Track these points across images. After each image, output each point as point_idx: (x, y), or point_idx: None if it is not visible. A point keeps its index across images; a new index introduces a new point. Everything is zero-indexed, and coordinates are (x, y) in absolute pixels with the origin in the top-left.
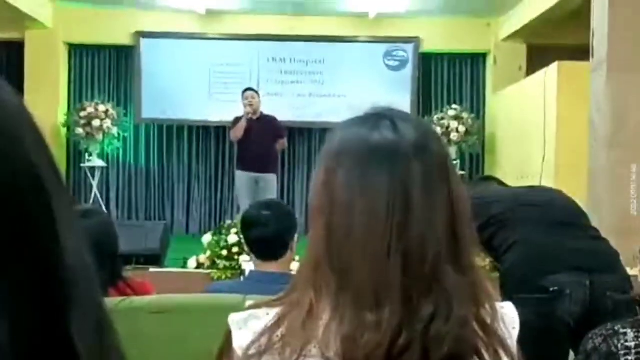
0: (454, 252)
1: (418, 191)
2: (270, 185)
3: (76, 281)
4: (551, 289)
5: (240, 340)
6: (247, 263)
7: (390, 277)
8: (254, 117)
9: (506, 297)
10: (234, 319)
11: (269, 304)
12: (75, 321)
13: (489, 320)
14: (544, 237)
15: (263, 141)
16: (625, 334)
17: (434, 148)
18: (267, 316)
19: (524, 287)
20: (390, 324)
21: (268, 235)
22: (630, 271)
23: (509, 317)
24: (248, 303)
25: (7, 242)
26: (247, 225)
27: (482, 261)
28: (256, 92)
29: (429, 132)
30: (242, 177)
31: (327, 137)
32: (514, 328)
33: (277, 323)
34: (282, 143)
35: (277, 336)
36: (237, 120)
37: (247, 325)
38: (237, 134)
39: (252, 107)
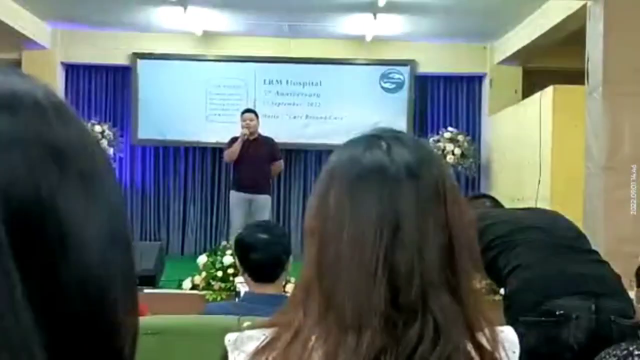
0: (450, 277)
1: (408, 216)
2: (264, 206)
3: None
4: (557, 313)
5: None
6: (242, 284)
7: (374, 302)
8: (251, 138)
9: (511, 320)
10: (230, 339)
11: (265, 325)
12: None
13: (488, 346)
14: (548, 261)
15: (258, 162)
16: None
17: (428, 172)
18: (263, 337)
19: (530, 311)
20: (369, 349)
21: (267, 259)
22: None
23: (509, 341)
24: (246, 324)
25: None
26: (245, 249)
27: (478, 283)
28: (255, 113)
29: (425, 156)
30: (235, 197)
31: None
32: (514, 352)
33: (270, 344)
34: (278, 165)
35: (272, 357)
36: (233, 140)
37: (244, 346)
38: (231, 157)
39: (250, 129)
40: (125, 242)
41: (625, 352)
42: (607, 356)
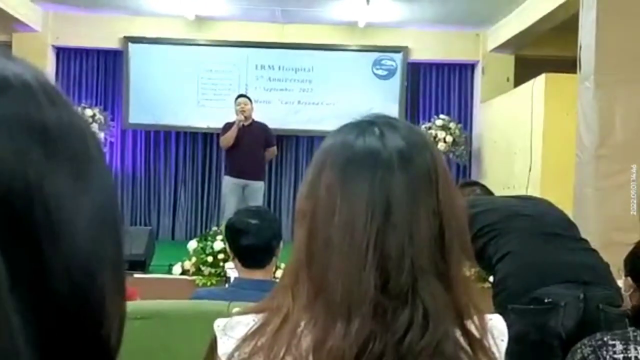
0: (440, 264)
1: (399, 201)
2: (257, 192)
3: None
4: (546, 301)
5: (225, 347)
6: (232, 270)
7: (363, 288)
8: (246, 124)
9: (500, 307)
10: (219, 325)
11: (254, 310)
12: None
13: (476, 333)
14: (537, 248)
15: (252, 148)
16: (614, 345)
17: (420, 158)
18: (252, 322)
19: (519, 298)
20: (358, 334)
21: (258, 244)
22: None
23: (497, 330)
24: (235, 309)
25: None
26: (235, 234)
27: (468, 271)
28: (249, 98)
29: (418, 141)
30: (229, 183)
31: (320, 144)
32: (502, 340)
33: (259, 330)
34: (272, 151)
35: (260, 343)
36: (228, 126)
37: (233, 331)
38: (227, 143)
39: (244, 114)
40: (115, 227)
41: (599, 342)
42: (583, 347)
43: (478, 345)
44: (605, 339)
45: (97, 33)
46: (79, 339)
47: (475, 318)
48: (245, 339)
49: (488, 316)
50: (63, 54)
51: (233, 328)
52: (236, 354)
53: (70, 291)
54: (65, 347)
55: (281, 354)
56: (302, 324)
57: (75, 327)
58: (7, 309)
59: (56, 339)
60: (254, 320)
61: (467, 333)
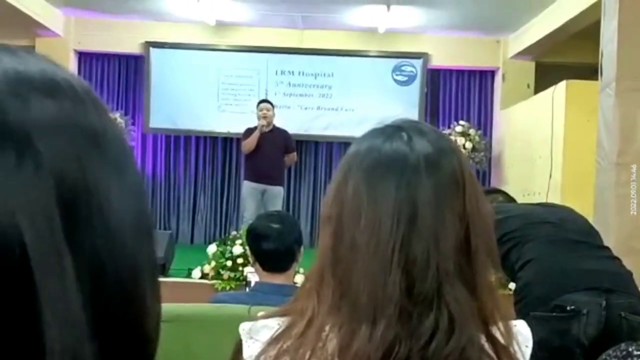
0: (465, 269)
1: (426, 206)
2: (276, 197)
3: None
4: (568, 308)
5: (250, 350)
6: (252, 274)
7: (389, 292)
8: (267, 129)
9: (521, 315)
10: (244, 328)
11: (278, 313)
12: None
13: (501, 339)
14: (560, 256)
15: (273, 153)
16: (639, 356)
17: (447, 163)
18: (277, 326)
19: (541, 306)
20: (383, 338)
21: (279, 249)
22: None
23: (522, 335)
24: (260, 313)
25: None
26: (257, 238)
27: (491, 276)
28: (271, 104)
29: (445, 147)
30: (248, 188)
31: (340, 149)
32: (527, 346)
33: (285, 333)
34: (292, 157)
35: (286, 346)
36: (249, 131)
37: (258, 335)
38: (249, 147)
39: (267, 120)
40: (150, 229)
41: (624, 352)
42: (608, 358)
43: (504, 351)
44: (630, 349)
45: (118, 38)
46: (126, 336)
47: (501, 324)
48: (271, 343)
49: (513, 322)
50: (85, 58)
51: (258, 331)
52: (262, 357)
53: (118, 289)
54: (115, 346)
55: (307, 357)
56: (327, 327)
57: (123, 325)
58: (74, 304)
59: (108, 337)
60: (278, 323)
61: (492, 339)
